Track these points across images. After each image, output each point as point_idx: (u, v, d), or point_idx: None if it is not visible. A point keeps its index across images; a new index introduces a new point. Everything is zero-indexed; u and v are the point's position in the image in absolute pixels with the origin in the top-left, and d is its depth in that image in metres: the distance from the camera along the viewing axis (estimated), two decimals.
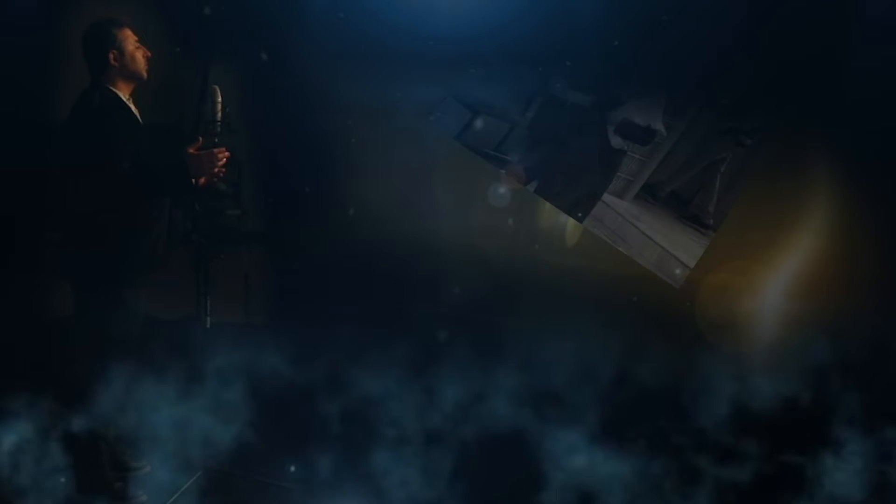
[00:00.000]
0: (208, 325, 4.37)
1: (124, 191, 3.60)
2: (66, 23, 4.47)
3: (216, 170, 3.70)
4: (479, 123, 4.83)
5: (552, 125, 4.79)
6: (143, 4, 4.56)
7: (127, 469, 3.86)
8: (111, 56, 3.70)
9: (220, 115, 3.98)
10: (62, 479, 3.67)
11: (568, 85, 4.75)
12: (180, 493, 3.76)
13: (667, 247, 4.57)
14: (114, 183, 3.58)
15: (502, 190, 5.00)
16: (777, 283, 4.51)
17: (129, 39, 3.75)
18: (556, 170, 4.74)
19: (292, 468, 3.97)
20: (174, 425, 3.91)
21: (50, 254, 3.99)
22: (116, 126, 3.65)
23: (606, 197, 4.66)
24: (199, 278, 4.34)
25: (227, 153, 3.74)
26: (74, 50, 3.83)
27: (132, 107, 3.76)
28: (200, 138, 3.77)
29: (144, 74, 3.78)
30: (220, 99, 3.97)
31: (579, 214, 4.67)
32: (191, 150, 3.68)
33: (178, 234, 4.12)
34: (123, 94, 3.74)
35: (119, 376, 3.69)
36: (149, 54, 3.79)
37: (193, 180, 3.70)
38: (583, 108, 4.72)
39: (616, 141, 4.65)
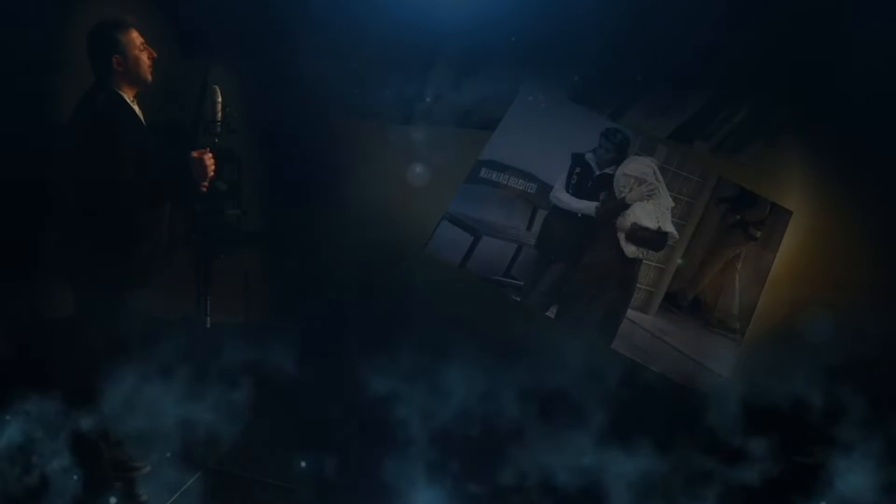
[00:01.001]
0: (208, 325, 4.37)
1: (128, 192, 3.59)
2: (71, 21, 4.46)
3: (210, 171, 3.74)
4: (482, 248, 4.53)
5: (561, 239, 4.54)
6: (144, 4, 4.57)
7: (127, 469, 3.87)
8: (115, 61, 3.67)
9: (220, 115, 3.97)
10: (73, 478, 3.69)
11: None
12: (180, 493, 3.77)
13: (700, 359, 4.40)
14: (117, 185, 3.58)
15: None
16: None
17: (134, 42, 3.71)
18: (573, 291, 4.47)
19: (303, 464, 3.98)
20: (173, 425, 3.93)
21: (52, 254, 3.99)
22: (121, 128, 3.64)
23: (631, 313, 4.45)
24: (199, 278, 4.35)
25: (210, 154, 3.75)
26: (79, 49, 3.82)
27: (136, 108, 3.76)
28: (202, 141, 3.79)
29: (149, 77, 3.76)
30: (220, 99, 3.97)
31: (606, 338, 4.39)
32: (194, 154, 3.69)
33: (179, 235, 4.12)
34: (128, 95, 3.73)
35: (120, 376, 3.71)
36: (154, 55, 3.77)
37: (196, 184, 3.73)
38: (590, 218, 4.51)
39: (630, 250, 4.46)
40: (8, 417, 3.77)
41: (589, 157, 4.58)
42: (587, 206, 4.52)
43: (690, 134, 4.87)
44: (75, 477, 3.65)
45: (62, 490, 3.63)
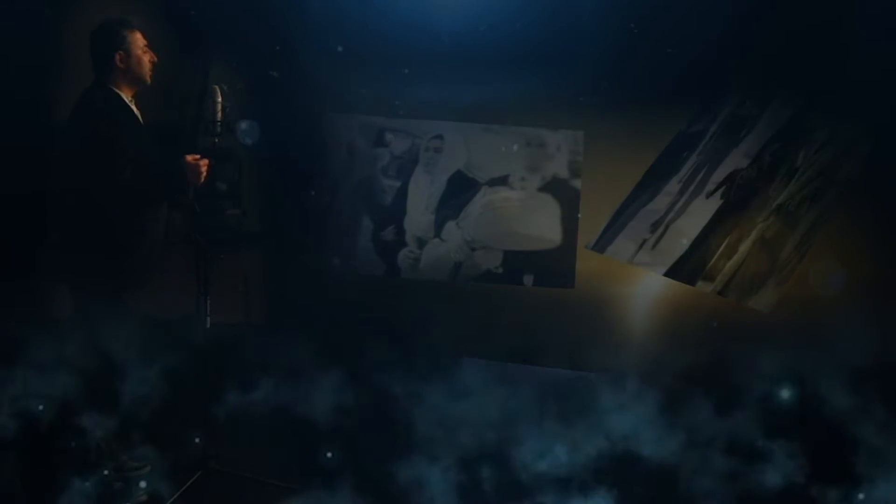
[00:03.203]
0: (208, 325, 4.37)
1: (124, 192, 3.60)
2: (72, 21, 4.47)
3: (202, 175, 3.77)
4: None
5: None
6: (144, 4, 4.57)
7: (127, 469, 3.87)
8: (118, 57, 3.69)
9: (220, 115, 3.97)
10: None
11: None
12: (180, 493, 3.76)
13: None
14: (114, 184, 3.58)
15: None
16: None
17: (138, 42, 3.74)
18: None
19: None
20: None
21: (49, 254, 3.99)
22: (118, 127, 3.65)
23: None
24: (199, 278, 4.34)
25: (204, 160, 3.78)
26: (79, 50, 3.82)
27: (134, 108, 3.76)
28: (197, 145, 3.81)
29: (148, 79, 3.78)
30: (220, 99, 3.97)
31: None
32: (188, 158, 3.71)
33: (177, 236, 4.12)
34: (126, 95, 3.74)
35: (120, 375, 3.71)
36: (155, 59, 3.78)
37: (190, 186, 3.75)
38: None
39: None
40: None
41: None
42: None
43: None
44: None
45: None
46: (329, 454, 4.00)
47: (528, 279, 5.13)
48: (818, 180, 4.68)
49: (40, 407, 3.91)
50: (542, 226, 5.13)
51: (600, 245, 5.00)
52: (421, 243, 5.19)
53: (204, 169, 3.76)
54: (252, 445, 4.20)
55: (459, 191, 5.17)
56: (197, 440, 4.00)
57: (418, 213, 5.21)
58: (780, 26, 4.67)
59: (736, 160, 4.84)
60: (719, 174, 4.88)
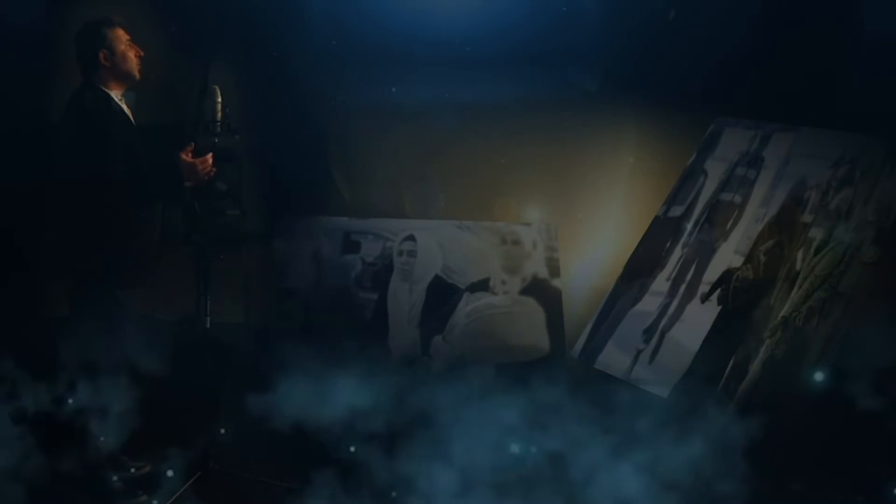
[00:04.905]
0: (208, 325, 4.37)
1: (115, 192, 3.61)
2: (59, 22, 4.47)
3: (208, 172, 3.79)
4: None
5: None
6: (145, 5, 4.57)
7: (127, 469, 3.87)
8: (101, 56, 3.72)
9: (220, 115, 3.98)
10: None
11: None
12: (180, 492, 3.76)
13: None
14: (104, 183, 3.60)
15: None
16: None
17: (121, 39, 3.78)
18: None
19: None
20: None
21: (42, 254, 4.00)
22: (107, 126, 3.68)
23: None
24: (199, 278, 4.34)
25: (205, 158, 3.81)
26: (68, 49, 3.84)
27: (124, 107, 3.78)
28: (192, 143, 3.81)
29: (137, 74, 3.80)
30: (220, 99, 3.98)
31: None
32: (183, 156, 3.72)
33: (174, 235, 4.13)
34: (115, 93, 3.76)
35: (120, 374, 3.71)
36: (141, 53, 3.81)
37: (185, 183, 3.75)
38: None
39: None
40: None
41: None
42: None
43: None
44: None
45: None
46: (329, 454, 4.00)
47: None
48: (823, 289, 4.02)
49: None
50: (529, 334, 4.86)
51: (588, 353, 4.50)
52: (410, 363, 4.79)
53: (202, 167, 3.76)
54: (252, 445, 4.19)
55: (441, 300, 4.86)
56: (223, 431, 3.99)
57: (402, 329, 4.87)
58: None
59: (727, 257, 4.31)
60: (711, 273, 4.30)
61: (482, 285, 4.91)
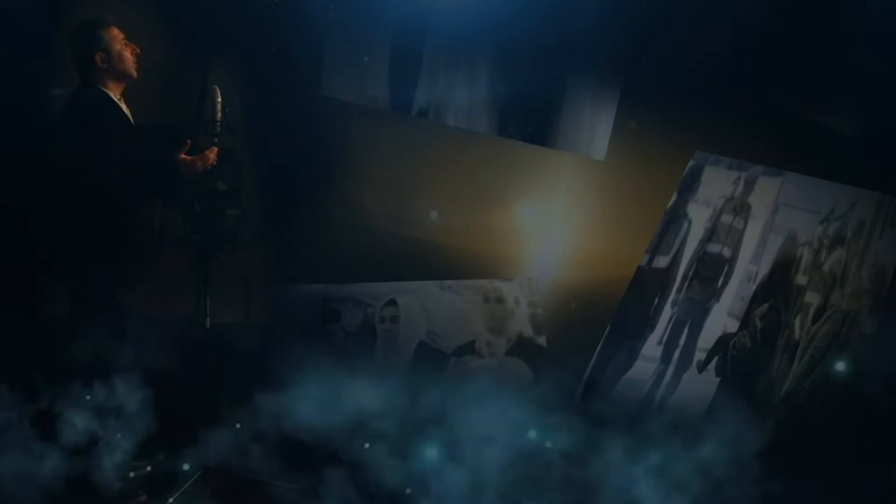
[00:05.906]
0: (208, 325, 4.37)
1: (114, 191, 3.61)
2: (57, 22, 4.47)
3: (209, 165, 3.80)
4: None
5: None
6: (145, 4, 4.57)
7: (127, 469, 3.86)
8: (98, 58, 3.71)
9: (220, 115, 3.98)
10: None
11: None
12: (180, 492, 3.76)
13: None
14: (103, 183, 3.60)
15: None
16: None
17: (116, 39, 3.76)
18: None
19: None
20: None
21: (41, 253, 4.00)
22: (106, 126, 3.68)
23: None
24: (199, 278, 4.34)
25: (214, 150, 3.82)
26: (67, 49, 3.84)
27: (123, 106, 3.78)
28: (189, 140, 3.81)
29: (134, 73, 3.79)
30: (220, 99, 3.98)
31: None
32: (181, 155, 3.72)
33: (173, 234, 4.13)
34: (114, 93, 3.76)
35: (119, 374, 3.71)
36: (137, 51, 3.80)
37: (185, 179, 3.76)
38: None
39: None
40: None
41: None
42: None
43: None
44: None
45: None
46: (329, 454, 4.00)
47: None
48: (825, 363, 3.92)
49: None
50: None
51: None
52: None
53: (201, 163, 3.77)
54: (252, 446, 4.19)
55: (428, 367, 4.65)
56: (238, 426, 3.96)
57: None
58: None
59: (721, 320, 4.16)
60: (706, 339, 4.19)
61: (468, 349, 4.74)
